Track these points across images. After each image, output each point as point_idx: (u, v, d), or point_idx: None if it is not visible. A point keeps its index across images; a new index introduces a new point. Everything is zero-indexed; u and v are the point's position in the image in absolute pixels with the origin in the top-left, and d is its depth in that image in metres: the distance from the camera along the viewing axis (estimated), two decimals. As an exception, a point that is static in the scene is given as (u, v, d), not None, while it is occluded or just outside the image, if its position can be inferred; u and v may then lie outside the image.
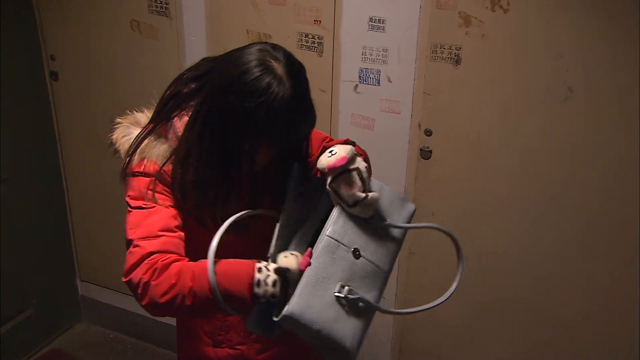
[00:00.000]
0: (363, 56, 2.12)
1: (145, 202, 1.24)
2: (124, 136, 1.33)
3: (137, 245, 1.18)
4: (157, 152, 1.27)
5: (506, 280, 2.18)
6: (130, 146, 1.29)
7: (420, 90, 2.09)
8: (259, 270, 1.12)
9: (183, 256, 1.19)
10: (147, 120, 1.35)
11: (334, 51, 2.16)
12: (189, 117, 1.25)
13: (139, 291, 1.14)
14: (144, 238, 1.18)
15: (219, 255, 1.14)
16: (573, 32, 1.85)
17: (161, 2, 2.39)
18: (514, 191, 2.07)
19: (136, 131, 1.32)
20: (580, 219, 2.01)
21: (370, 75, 2.14)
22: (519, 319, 2.21)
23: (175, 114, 1.28)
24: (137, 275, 1.14)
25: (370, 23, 2.07)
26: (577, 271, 2.06)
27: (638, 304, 2.01)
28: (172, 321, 2.90)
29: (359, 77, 2.15)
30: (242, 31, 2.28)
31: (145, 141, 1.28)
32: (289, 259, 1.13)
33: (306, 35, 2.18)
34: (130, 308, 3.00)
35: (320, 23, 2.14)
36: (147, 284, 1.13)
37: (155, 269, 1.14)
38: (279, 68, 1.15)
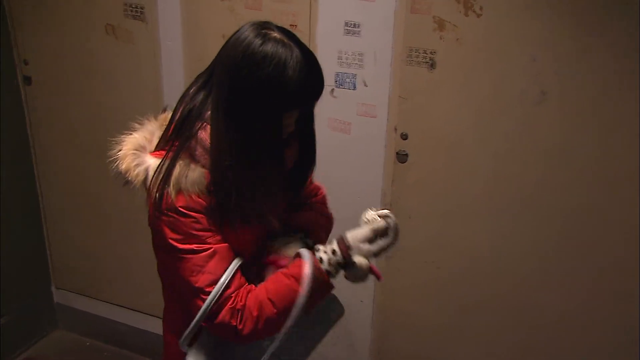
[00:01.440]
0: (339, 60, 2.13)
1: (198, 245, 1.21)
2: (137, 165, 1.23)
3: (208, 293, 1.21)
4: (192, 180, 1.19)
5: (484, 281, 2.19)
6: (156, 176, 1.20)
7: (396, 94, 2.10)
8: (316, 250, 1.27)
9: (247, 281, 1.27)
10: (149, 139, 1.29)
11: (310, 55, 2.16)
12: (211, 121, 1.21)
13: (231, 336, 1.23)
14: (212, 284, 1.21)
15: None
16: (545, 36, 1.87)
17: (136, 7, 2.38)
18: (489, 193, 2.09)
19: (148, 158, 1.24)
20: (555, 220, 2.03)
21: (347, 79, 2.15)
22: (497, 320, 2.22)
23: (198, 126, 1.22)
24: (223, 321, 1.21)
25: (345, 27, 2.09)
26: (554, 271, 2.09)
27: (614, 303, 2.04)
28: (149, 328, 2.90)
29: (335, 81, 2.16)
30: (218, 36, 2.27)
31: (176, 170, 1.19)
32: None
33: (282, 40, 2.18)
34: (107, 315, 2.96)
35: (297, 27, 2.14)
36: (234, 328, 1.22)
37: (238, 310, 1.22)
38: (277, 34, 1.18)
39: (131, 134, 1.30)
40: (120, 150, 1.25)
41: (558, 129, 1.95)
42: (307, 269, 1.22)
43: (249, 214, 1.25)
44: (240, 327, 1.21)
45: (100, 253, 2.89)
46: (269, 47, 1.14)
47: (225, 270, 1.22)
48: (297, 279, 1.22)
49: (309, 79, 1.19)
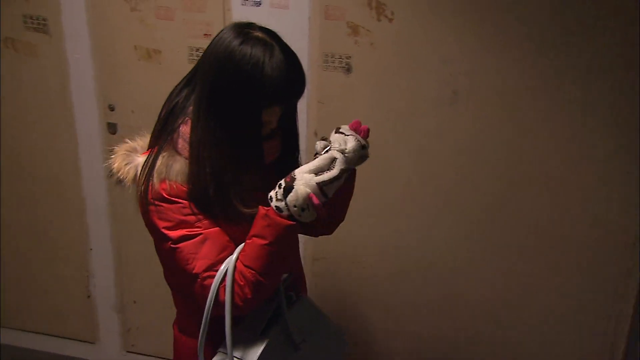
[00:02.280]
0: (256, 68, 2.13)
1: (189, 230, 1.24)
2: (127, 164, 1.29)
3: (205, 278, 1.23)
4: (175, 170, 1.24)
5: (410, 278, 2.26)
6: (142, 171, 1.25)
7: (314, 99, 2.13)
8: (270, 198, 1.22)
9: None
10: (144, 146, 1.33)
11: (226, 64, 2.15)
12: (192, 114, 1.24)
13: (240, 309, 1.24)
14: (209, 269, 1.23)
15: None
16: (454, 39, 1.96)
17: (38, 19, 2.27)
18: (411, 192, 2.16)
19: (138, 157, 1.29)
20: (472, 215, 2.12)
21: (265, 87, 2.15)
22: (425, 316, 2.29)
23: (180, 121, 1.27)
24: (225, 299, 1.23)
25: (261, 35, 2.09)
26: (476, 265, 2.18)
27: (524, 292, 2.16)
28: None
29: (254, 89, 2.16)
30: (129, 47, 2.21)
31: (159, 161, 1.24)
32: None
33: (197, 50, 2.15)
34: (55, 350, 2.82)
35: (211, 36, 2.11)
36: (237, 304, 1.23)
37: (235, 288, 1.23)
38: (258, 33, 1.22)
39: (135, 139, 1.35)
40: (115, 153, 1.31)
41: (471, 127, 2.04)
42: (257, 218, 1.23)
43: (226, 210, 1.25)
44: (236, 300, 1.23)
45: (46, 286, 2.73)
46: (248, 47, 1.18)
47: (218, 255, 1.24)
48: (256, 233, 1.23)
49: (288, 77, 1.21)
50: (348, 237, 2.24)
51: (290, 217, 1.21)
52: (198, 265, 1.23)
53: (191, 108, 1.26)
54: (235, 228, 1.28)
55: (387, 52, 2.02)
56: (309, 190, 1.18)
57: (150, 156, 1.26)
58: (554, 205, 2.06)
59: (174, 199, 1.23)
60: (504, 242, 2.13)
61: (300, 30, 2.05)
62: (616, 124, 1.92)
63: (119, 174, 1.28)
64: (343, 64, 2.06)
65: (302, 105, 2.11)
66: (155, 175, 1.23)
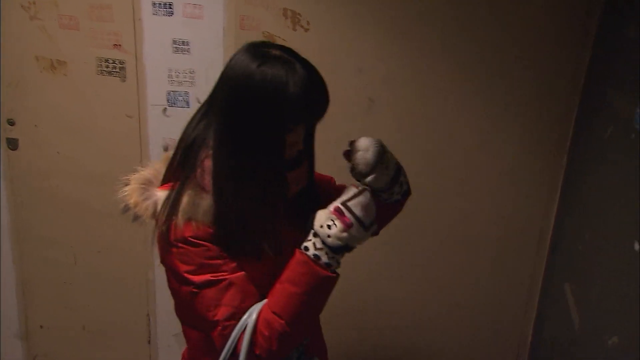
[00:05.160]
0: (170, 79, 2.07)
1: (213, 275, 1.15)
2: (145, 199, 1.18)
3: (226, 327, 1.16)
4: (203, 210, 1.14)
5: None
6: (164, 208, 1.15)
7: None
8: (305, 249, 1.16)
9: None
10: (156, 177, 1.23)
11: (138, 75, 2.07)
12: (213, 147, 1.14)
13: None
14: (231, 317, 1.16)
15: None
16: (369, 49, 2.00)
17: None
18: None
19: (156, 192, 1.19)
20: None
21: (179, 97, 2.10)
22: (343, 313, 2.33)
23: (203, 155, 1.16)
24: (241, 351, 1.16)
25: (174, 45, 2.03)
26: (393, 266, 2.24)
27: (447, 291, 2.25)
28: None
29: (167, 100, 2.10)
30: (30, 58, 2.08)
31: (185, 199, 1.14)
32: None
33: (106, 60, 2.06)
34: None
35: (121, 47, 2.04)
36: (253, 355, 1.16)
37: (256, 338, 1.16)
38: (274, 51, 1.13)
39: (136, 171, 1.23)
40: (127, 186, 1.20)
41: (386, 133, 2.08)
42: (292, 263, 1.18)
43: (251, 247, 1.19)
44: (257, 352, 1.16)
45: None
46: (268, 68, 1.09)
47: (242, 302, 1.17)
48: (289, 280, 1.17)
49: (312, 93, 1.14)
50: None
51: (327, 265, 1.17)
52: (220, 313, 1.16)
53: (211, 141, 1.17)
54: (257, 264, 1.21)
55: (303, 62, 2.03)
56: (330, 208, 1.17)
57: (172, 192, 1.17)
58: (466, 205, 2.16)
59: (198, 241, 1.15)
60: (419, 244, 2.21)
61: (215, 40, 2.02)
62: (523, 128, 2.05)
63: (136, 210, 1.18)
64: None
65: (218, 115, 2.11)
66: (180, 214, 1.14)
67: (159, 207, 1.17)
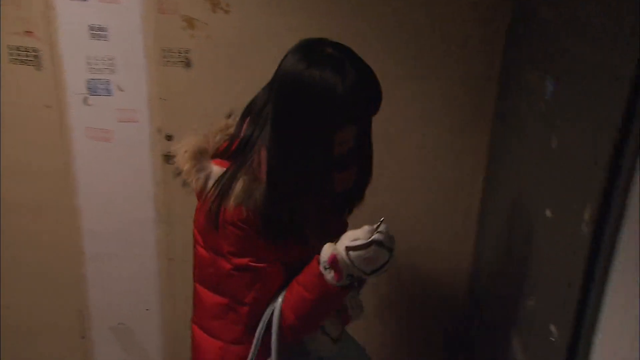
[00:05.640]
0: (89, 66, 2.01)
1: (253, 261, 1.23)
2: (198, 170, 1.24)
3: (252, 310, 1.27)
4: (255, 198, 1.19)
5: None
6: (216, 187, 1.20)
7: (155, 95, 2.06)
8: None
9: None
10: (210, 145, 1.29)
11: (54, 63, 2.00)
12: (267, 139, 1.19)
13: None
14: (259, 304, 1.27)
15: None
16: (292, 29, 1.99)
17: None
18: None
19: (211, 165, 1.24)
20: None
21: (100, 85, 2.04)
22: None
23: (261, 145, 1.22)
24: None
25: (91, 32, 1.97)
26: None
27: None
28: None
29: (88, 88, 2.04)
30: (-64, 48, 1.98)
31: (239, 184, 1.19)
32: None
33: (18, 49, 1.98)
34: None
35: (33, 34, 1.96)
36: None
37: None
38: (327, 49, 1.17)
39: (194, 134, 1.30)
40: (185, 152, 1.25)
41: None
42: (307, 271, 1.26)
43: (296, 236, 1.27)
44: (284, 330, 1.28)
45: None
46: (317, 69, 1.12)
47: (269, 292, 1.28)
48: (304, 284, 1.26)
49: (362, 95, 1.16)
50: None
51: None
52: (250, 297, 1.26)
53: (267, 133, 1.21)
54: (297, 247, 1.29)
55: (225, 45, 2.00)
56: (331, 250, 1.23)
57: (227, 174, 1.22)
58: (395, 190, 2.18)
59: (246, 227, 1.20)
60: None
61: (133, 25, 1.97)
62: (447, 109, 2.08)
63: (187, 178, 1.25)
64: (182, 59, 2.01)
65: (142, 102, 2.07)
66: (232, 199, 1.18)
67: (210, 182, 1.23)
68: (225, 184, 1.21)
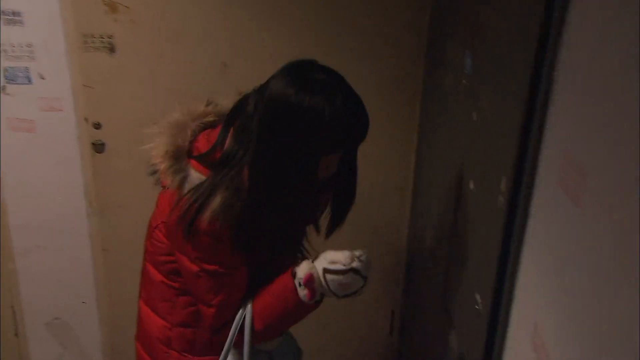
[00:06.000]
0: (5, 53, 1.93)
1: (221, 267, 1.23)
2: (176, 172, 1.21)
3: (219, 310, 1.27)
4: (234, 214, 1.17)
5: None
6: (193, 196, 1.18)
7: (79, 83, 2.00)
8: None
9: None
10: (189, 133, 1.25)
11: (-33, 52, 1.92)
12: (250, 156, 1.17)
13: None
14: (224, 305, 1.27)
15: None
16: (218, 14, 1.96)
17: None
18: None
19: (189, 168, 1.21)
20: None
21: (18, 73, 1.96)
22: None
23: (245, 161, 1.18)
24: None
25: (4, 17, 1.89)
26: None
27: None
28: None
29: (5, 77, 1.96)
30: None
31: (218, 198, 1.16)
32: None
33: None
34: None
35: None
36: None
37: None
38: (317, 74, 1.14)
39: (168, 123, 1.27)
40: (166, 152, 1.23)
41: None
42: (280, 283, 1.29)
43: (268, 254, 1.30)
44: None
45: None
46: (306, 95, 1.10)
47: (237, 294, 1.29)
48: (275, 295, 1.29)
49: (350, 124, 1.16)
50: (137, 225, 2.18)
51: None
52: (217, 299, 1.26)
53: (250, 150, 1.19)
54: (267, 256, 1.32)
55: (149, 29, 1.96)
56: (308, 269, 1.26)
57: (205, 184, 1.18)
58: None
59: (219, 238, 1.19)
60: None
61: (50, 10, 1.90)
62: (378, 87, 2.10)
63: (162, 177, 1.23)
64: (105, 44, 1.95)
65: (66, 90, 2.00)
66: (209, 212, 1.16)
67: (187, 186, 1.20)
68: (203, 196, 1.18)
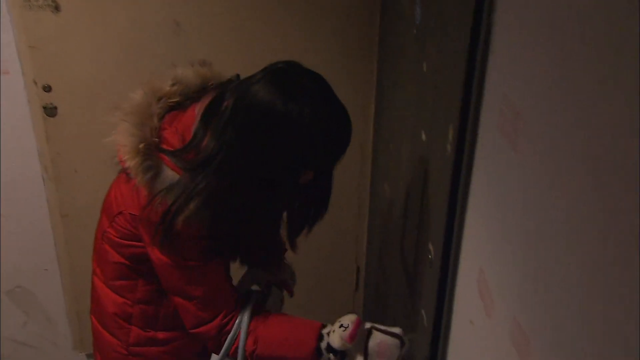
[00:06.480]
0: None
1: (196, 263, 1.23)
2: (147, 169, 1.13)
3: (199, 303, 1.25)
4: (207, 220, 1.15)
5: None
6: (167, 197, 1.13)
7: (24, 44, 1.93)
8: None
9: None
10: (156, 113, 1.19)
11: None
12: (223, 164, 1.12)
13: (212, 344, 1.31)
14: (203, 298, 1.25)
15: None
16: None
17: None
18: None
19: (159, 164, 1.14)
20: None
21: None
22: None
23: (220, 170, 1.14)
24: (209, 331, 1.27)
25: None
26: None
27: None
28: None
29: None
30: None
31: (193, 204, 1.12)
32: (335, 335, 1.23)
33: None
34: None
35: None
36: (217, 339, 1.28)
37: (227, 332, 1.27)
38: (304, 82, 1.10)
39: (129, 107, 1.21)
40: (140, 145, 1.14)
41: (193, 54, 2.02)
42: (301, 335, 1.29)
43: (237, 258, 1.36)
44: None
45: None
46: (294, 105, 1.06)
47: (221, 282, 1.28)
48: (290, 342, 1.28)
49: (336, 138, 1.15)
50: (92, 189, 2.14)
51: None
52: (198, 291, 1.24)
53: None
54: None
55: (95, -15, 1.89)
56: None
57: (180, 186, 1.13)
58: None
59: (193, 240, 1.20)
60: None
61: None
62: (335, 39, 2.06)
63: (131, 173, 1.15)
64: (49, 2, 1.88)
65: (11, 52, 1.93)
66: (182, 216, 1.13)
67: (158, 183, 1.14)
68: (180, 200, 1.13)
